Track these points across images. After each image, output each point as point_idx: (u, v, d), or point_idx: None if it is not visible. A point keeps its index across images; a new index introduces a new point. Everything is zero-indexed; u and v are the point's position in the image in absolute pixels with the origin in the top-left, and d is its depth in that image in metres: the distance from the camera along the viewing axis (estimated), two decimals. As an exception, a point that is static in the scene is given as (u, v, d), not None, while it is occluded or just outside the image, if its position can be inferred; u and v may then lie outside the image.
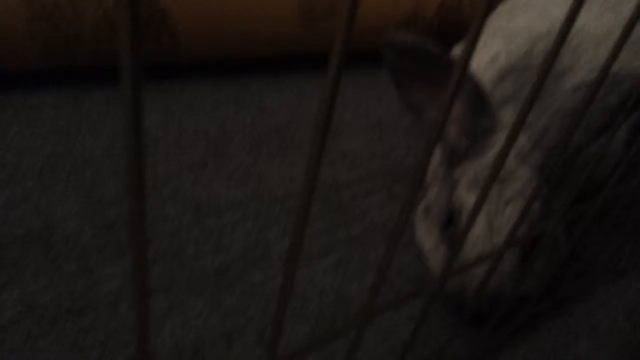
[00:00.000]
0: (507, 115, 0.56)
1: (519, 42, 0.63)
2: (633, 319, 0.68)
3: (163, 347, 0.57)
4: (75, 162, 0.78)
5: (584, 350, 0.63)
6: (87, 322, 0.58)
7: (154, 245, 0.68)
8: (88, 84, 0.95)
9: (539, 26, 0.65)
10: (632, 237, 0.70)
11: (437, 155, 0.66)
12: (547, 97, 0.57)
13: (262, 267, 0.67)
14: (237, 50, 0.89)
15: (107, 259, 0.65)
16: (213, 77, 1.02)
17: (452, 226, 0.55)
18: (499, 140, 0.54)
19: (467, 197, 0.53)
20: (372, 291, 0.29)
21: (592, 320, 0.67)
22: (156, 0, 0.85)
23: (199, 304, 0.62)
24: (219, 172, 0.80)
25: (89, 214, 0.70)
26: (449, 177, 0.57)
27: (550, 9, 0.71)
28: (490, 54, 0.65)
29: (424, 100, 0.55)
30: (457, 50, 0.87)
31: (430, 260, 0.58)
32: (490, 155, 0.53)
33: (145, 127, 0.87)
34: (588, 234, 0.58)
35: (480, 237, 0.51)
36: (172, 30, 0.89)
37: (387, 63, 0.51)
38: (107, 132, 0.84)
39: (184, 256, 0.67)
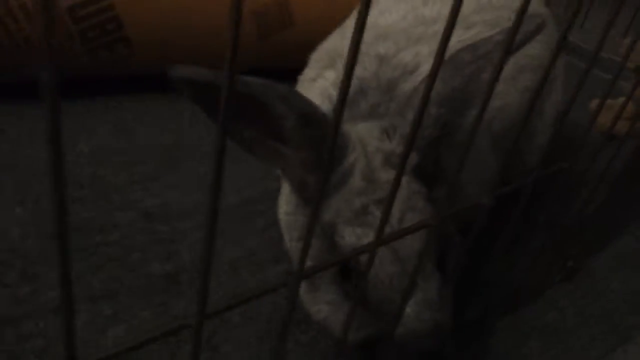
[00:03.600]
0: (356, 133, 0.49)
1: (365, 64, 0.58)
2: (580, 318, 0.70)
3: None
4: (21, 171, 0.76)
5: (533, 349, 0.65)
6: (25, 330, 0.56)
7: (102, 252, 0.66)
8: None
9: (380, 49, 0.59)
10: (578, 238, 0.72)
11: (299, 221, 0.54)
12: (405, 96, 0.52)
13: (211, 274, 0.67)
14: (194, 63, 0.90)
15: (52, 267, 0.63)
16: (170, 91, 1.01)
17: (351, 280, 0.46)
18: (355, 161, 0.46)
19: (353, 236, 0.44)
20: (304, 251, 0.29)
21: (541, 320, 0.69)
22: (111, 6, 0.86)
23: (146, 310, 0.61)
24: (170, 182, 0.79)
25: (35, 221, 0.69)
26: (316, 231, 0.46)
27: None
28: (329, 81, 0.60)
29: (252, 133, 0.46)
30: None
31: (335, 325, 0.49)
32: (353, 180, 0.46)
33: (97, 137, 0.86)
34: (536, 236, 0.60)
35: (393, 275, 0.43)
36: (126, 38, 0.89)
37: (190, 100, 0.40)
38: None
39: (132, 262, 0.66)
